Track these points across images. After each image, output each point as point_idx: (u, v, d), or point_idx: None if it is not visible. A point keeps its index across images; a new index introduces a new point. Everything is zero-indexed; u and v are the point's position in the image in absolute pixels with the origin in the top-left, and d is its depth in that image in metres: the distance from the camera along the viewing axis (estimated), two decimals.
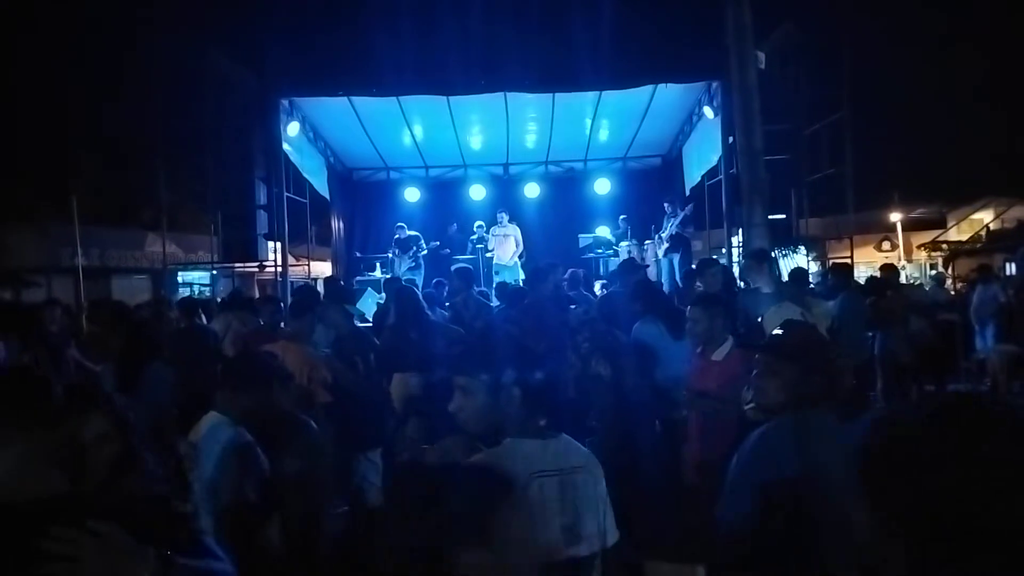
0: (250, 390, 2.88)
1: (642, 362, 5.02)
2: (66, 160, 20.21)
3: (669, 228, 11.63)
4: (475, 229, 13.00)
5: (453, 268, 7.44)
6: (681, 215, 11.52)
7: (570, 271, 7.15)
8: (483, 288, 10.55)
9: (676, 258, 11.57)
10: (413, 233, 12.52)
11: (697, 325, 3.88)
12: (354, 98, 10.92)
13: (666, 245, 11.74)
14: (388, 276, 11.23)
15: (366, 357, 4.78)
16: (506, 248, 12.64)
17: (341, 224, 14.49)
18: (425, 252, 12.31)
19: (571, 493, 1.88)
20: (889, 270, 8.47)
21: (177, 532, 1.67)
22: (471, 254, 12.69)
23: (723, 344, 3.82)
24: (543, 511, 1.83)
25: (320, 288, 9.51)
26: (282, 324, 5.86)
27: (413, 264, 12.23)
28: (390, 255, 12.57)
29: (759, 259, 5.24)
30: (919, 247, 22.23)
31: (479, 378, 2.00)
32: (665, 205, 11.94)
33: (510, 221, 12.83)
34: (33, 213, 18.15)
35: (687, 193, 13.23)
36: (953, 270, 16.70)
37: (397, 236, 12.50)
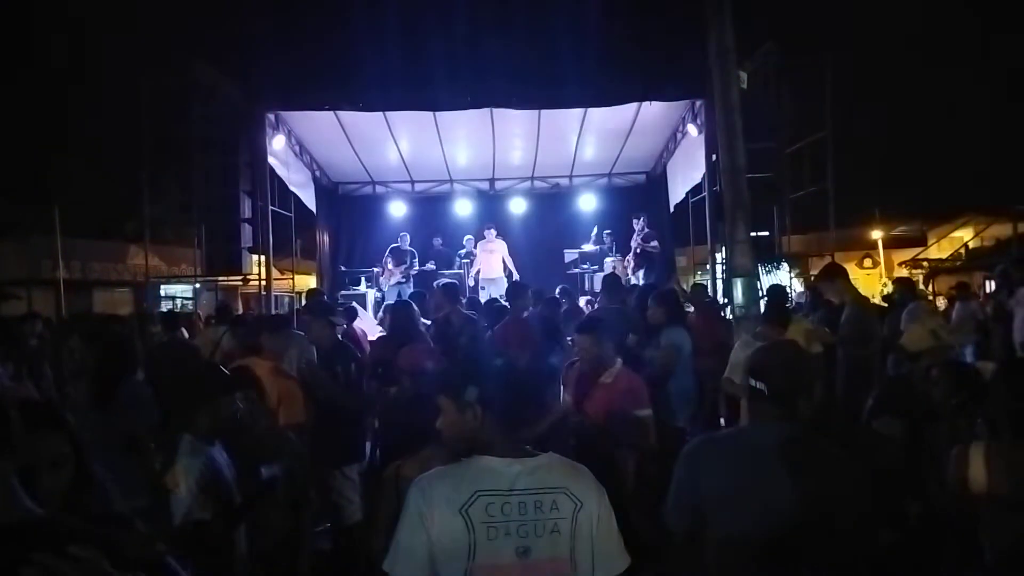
0: (204, 407, 2.86)
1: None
2: (48, 171, 20.06)
3: (633, 246, 11.81)
4: (464, 243, 13.01)
5: (437, 283, 7.44)
6: (641, 232, 11.68)
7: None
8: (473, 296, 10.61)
9: (641, 274, 11.72)
10: (410, 248, 12.52)
11: (587, 352, 3.94)
12: (340, 112, 10.94)
13: (633, 263, 11.89)
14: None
15: (347, 369, 4.73)
16: (493, 263, 12.66)
17: (326, 238, 14.45)
18: (416, 271, 12.30)
19: (531, 515, 1.80)
20: (902, 285, 8.10)
21: (144, 554, 1.65)
22: (458, 268, 12.71)
23: (612, 367, 3.91)
24: (485, 530, 1.78)
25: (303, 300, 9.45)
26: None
27: (403, 280, 12.20)
28: (380, 268, 12.52)
29: (827, 276, 5.26)
30: (900, 264, 22.47)
31: (449, 396, 2.00)
32: (633, 221, 12.06)
33: (497, 236, 12.87)
34: (14, 224, 17.96)
35: (671, 209, 13.35)
36: (933, 287, 16.90)
37: (397, 245, 12.46)
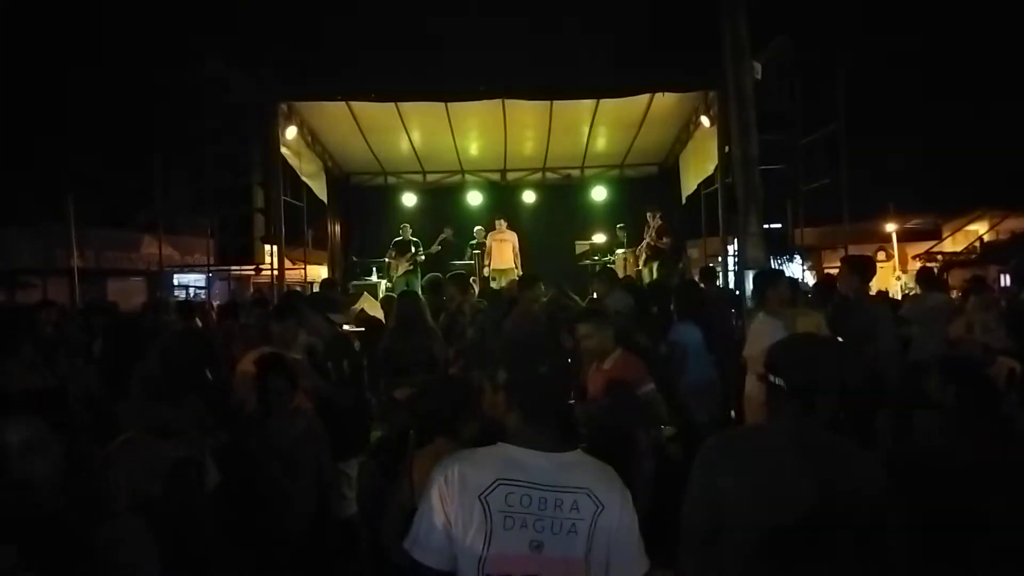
0: (176, 402, 2.86)
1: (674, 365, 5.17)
2: (63, 161, 20.19)
3: (646, 239, 11.74)
4: (474, 234, 13.03)
5: (448, 275, 7.46)
6: (653, 226, 11.63)
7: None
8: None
9: (654, 267, 11.68)
10: (414, 239, 12.56)
11: (589, 340, 3.94)
12: (352, 103, 10.95)
13: (644, 255, 11.82)
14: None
15: (340, 365, 4.70)
16: (504, 253, 12.66)
17: (338, 228, 14.51)
18: (423, 258, 12.34)
19: (550, 512, 1.78)
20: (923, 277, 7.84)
21: (68, 549, 1.62)
22: (469, 260, 12.73)
23: (613, 353, 3.97)
24: (502, 519, 1.76)
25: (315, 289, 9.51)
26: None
27: (410, 268, 12.25)
28: (387, 259, 12.58)
29: (853, 269, 5.14)
30: (914, 258, 22.30)
31: (486, 375, 2.01)
32: (648, 215, 12.00)
33: (508, 227, 12.87)
34: (29, 214, 18.12)
35: (683, 201, 13.30)
36: (947, 281, 16.76)
37: (400, 238, 12.53)
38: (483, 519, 1.76)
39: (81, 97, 21.16)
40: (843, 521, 1.92)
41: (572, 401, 4.05)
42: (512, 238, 12.77)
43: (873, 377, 4.48)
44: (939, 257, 20.39)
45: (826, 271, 11.24)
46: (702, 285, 8.04)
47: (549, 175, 14.88)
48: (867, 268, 5.08)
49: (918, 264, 21.62)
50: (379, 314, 8.84)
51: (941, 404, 3.16)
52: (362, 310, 8.02)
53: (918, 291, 7.84)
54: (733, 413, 6.11)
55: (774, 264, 10.10)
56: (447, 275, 7.50)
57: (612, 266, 11.71)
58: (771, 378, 2.10)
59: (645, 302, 6.51)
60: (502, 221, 12.85)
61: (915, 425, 3.28)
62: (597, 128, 12.53)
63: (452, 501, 1.78)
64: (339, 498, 4.49)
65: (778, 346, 2.22)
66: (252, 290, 14.60)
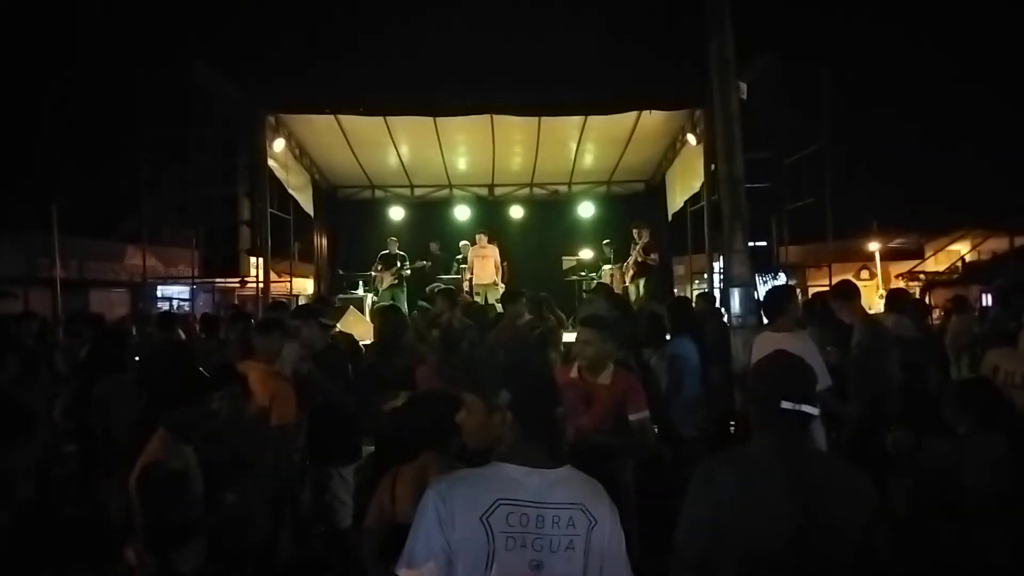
0: (184, 405, 2.91)
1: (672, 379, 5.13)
2: (47, 170, 20.03)
3: (633, 255, 11.76)
4: (460, 248, 13.00)
5: (437, 289, 7.44)
6: (640, 243, 11.66)
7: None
8: None
9: (641, 283, 11.70)
10: (400, 252, 12.51)
11: (588, 347, 3.70)
12: (341, 116, 10.95)
13: (631, 271, 11.83)
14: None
15: (344, 371, 4.68)
16: (485, 268, 12.62)
17: (324, 241, 14.46)
18: (408, 272, 12.29)
19: (548, 530, 1.77)
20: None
21: None
22: (455, 274, 12.70)
23: (607, 368, 3.73)
24: (504, 540, 1.75)
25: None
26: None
27: (395, 282, 12.20)
28: (372, 272, 12.53)
29: (847, 296, 5.17)
30: (897, 276, 22.52)
31: (481, 396, 2.00)
32: (634, 231, 12.04)
33: (489, 242, 12.83)
34: (11, 223, 17.93)
35: (669, 218, 13.36)
36: (930, 300, 16.94)
37: (387, 251, 12.48)
38: (485, 541, 1.74)
39: (66, 105, 21.04)
40: (832, 541, 1.91)
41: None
42: (493, 252, 12.70)
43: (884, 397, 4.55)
44: (921, 276, 20.60)
45: (811, 289, 11.31)
46: (695, 303, 8.09)
47: (536, 191, 14.92)
48: (852, 291, 5.20)
49: (901, 283, 21.87)
50: (366, 327, 8.83)
51: (954, 431, 3.17)
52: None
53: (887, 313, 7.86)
54: (718, 427, 6.14)
55: (759, 282, 10.14)
56: (435, 290, 7.49)
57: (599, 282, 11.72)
58: (761, 398, 2.09)
59: (633, 318, 6.54)
60: (483, 235, 12.76)
61: (926, 449, 3.28)
62: (584, 145, 12.59)
63: (452, 524, 1.76)
64: (340, 505, 4.45)
65: (763, 367, 2.21)
66: (235, 302, 14.48)
